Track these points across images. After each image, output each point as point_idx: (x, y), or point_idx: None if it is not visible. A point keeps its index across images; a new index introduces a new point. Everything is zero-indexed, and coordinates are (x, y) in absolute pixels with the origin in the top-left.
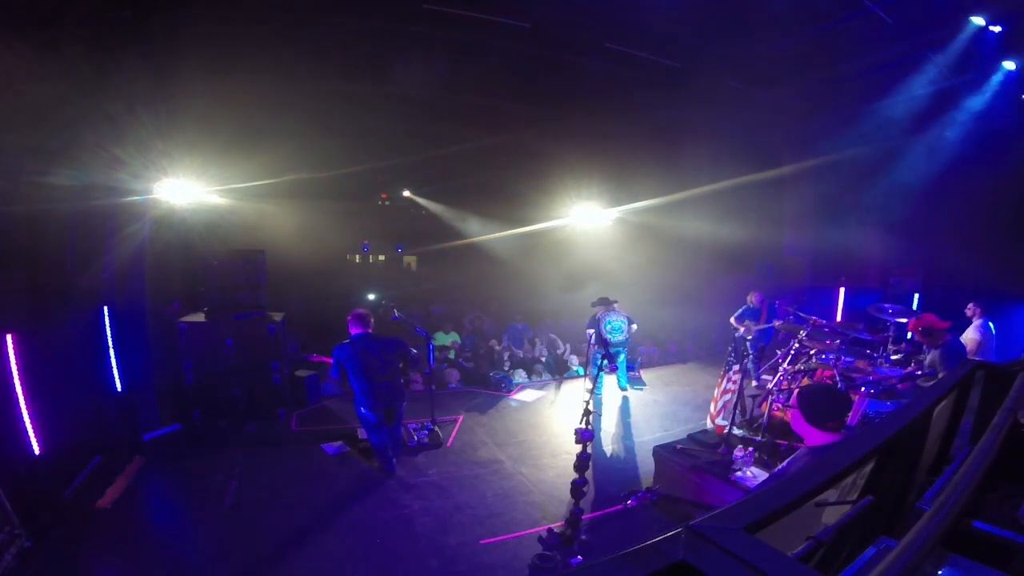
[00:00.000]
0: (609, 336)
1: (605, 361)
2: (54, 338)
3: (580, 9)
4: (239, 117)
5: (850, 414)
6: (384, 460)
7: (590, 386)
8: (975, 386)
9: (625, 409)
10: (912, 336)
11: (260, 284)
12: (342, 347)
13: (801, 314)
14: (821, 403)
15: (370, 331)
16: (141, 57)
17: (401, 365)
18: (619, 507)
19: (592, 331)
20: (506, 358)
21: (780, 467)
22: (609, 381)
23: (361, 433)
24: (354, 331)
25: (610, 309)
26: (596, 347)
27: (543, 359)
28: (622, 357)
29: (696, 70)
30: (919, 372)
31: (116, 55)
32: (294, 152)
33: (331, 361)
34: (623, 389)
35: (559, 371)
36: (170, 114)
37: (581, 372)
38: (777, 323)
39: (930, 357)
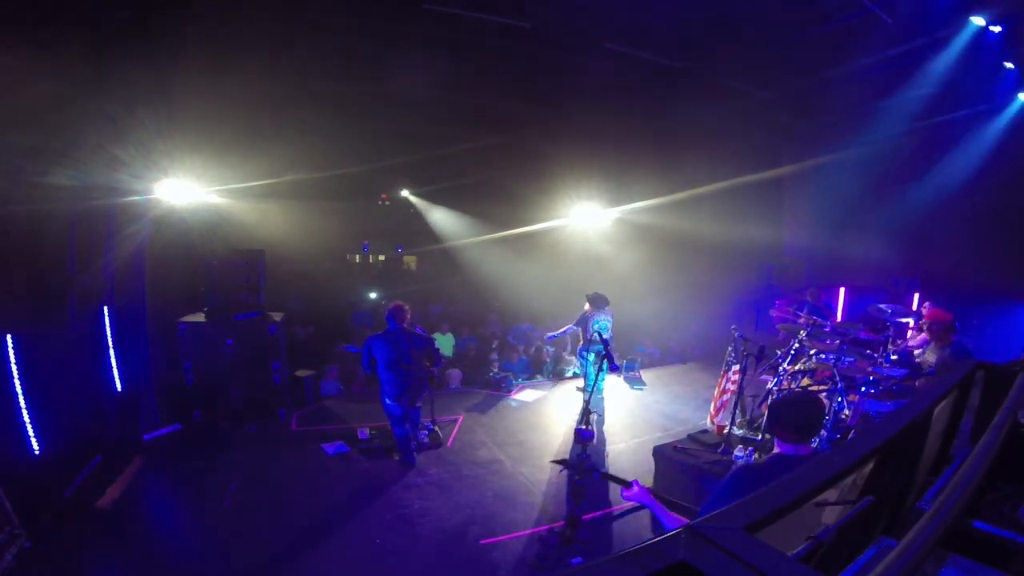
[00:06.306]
0: (603, 334)
1: (605, 362)
2: (54, 338)
3: (580, 9)
4: (239, 117)
5: (816, 432)
6: (405, 452)
7: (582, 385)
8: (975, 386)
9: (625, 409)
10: (925, 328)
11: (260, 284)
12: (375, 338)
13: (801, 314)
14: (786, 412)
15: (404, 326)
16: (141, 57)
17: (426, 362)
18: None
19: (579, 328)
20: (496, 362)
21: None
22: (609, 380)
23: (361, 433)
24: (391, 324)
25: (601, 308)
26: (587, 345)
27: (548, 360)
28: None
29: (696, 70)
30: (928, 371)
31: (116, 55)
32: (294, 152)
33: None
34: (600, 392)
35: (558, 374)
36: (170, 114)
37: (579, 372)
38: (780, 325)
39: (938, 358)
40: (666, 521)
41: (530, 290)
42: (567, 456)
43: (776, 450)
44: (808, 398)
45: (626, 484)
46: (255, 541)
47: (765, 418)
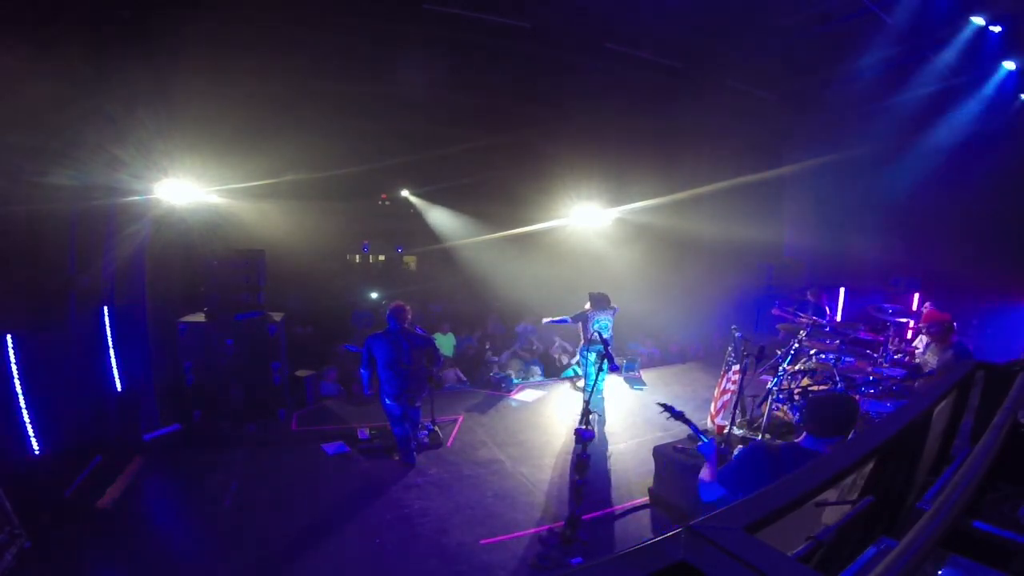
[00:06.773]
0: (603, 334)
1: (605, 362)
2: (54, 338)
3: (580, 9)
4: (239, 117)
5: (850, 430)
6: (405, 452)
7: (582, 385)
8: (975, 386)
9: (625, 409)
10: (925, 330)
11: (260, 284)
12: (375, 337)
13: (801, 315)
14: (824, 411)
15: (405, 326)
16: (141, 57)
17: (424, 362)
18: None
19: (576, 323)
20: (496, 364)
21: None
22: (609, 380)
23: (361, 433)
24: (392, 324)
25: (603, 308)
26: (587, 345)
27: (555, 356)
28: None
29: (697, 70)
30: (928, 372)
31: (116, 55)
32: (294, 152)
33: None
34: (600, 392)
35: (558, 372)
36: (170, 114)
37: (576, 371)
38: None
39: (940, 360)
40: (708, 481)
41: (530, 289)
42: (569, 456)
43: (798, 440)
44: (847, 398)
45: (705, 441)
46: (255, 541)
47: (802, 414)
